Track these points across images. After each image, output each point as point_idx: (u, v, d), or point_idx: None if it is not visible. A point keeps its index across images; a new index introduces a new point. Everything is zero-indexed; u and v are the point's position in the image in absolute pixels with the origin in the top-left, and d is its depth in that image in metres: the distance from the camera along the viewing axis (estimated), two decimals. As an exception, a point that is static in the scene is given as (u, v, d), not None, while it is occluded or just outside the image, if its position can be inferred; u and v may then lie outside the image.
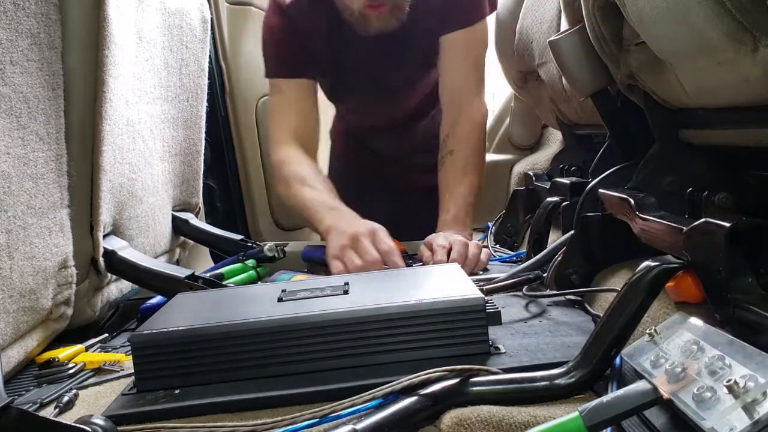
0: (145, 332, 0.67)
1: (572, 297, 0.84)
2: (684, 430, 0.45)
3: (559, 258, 0.88)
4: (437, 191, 1.56)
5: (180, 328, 0.66)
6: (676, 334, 0.54)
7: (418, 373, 0.56)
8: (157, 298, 1.05)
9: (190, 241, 1.41)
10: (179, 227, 1.33)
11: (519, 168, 1.77)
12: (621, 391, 0.47)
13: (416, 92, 1.49)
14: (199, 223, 1.39)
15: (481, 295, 0.67)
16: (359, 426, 0.51)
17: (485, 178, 1.35)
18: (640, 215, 0.72)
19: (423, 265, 1.10)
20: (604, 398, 0.47)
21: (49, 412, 0.66)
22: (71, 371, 0.78)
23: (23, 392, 0.74)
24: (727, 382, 0.41)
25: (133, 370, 0.67)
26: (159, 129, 1.21)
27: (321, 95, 1.45)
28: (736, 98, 0.60)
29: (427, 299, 0.66)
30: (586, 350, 0.58)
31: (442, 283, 0.77)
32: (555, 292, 0.86)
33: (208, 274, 1.10)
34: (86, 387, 0.74)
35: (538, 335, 0.71)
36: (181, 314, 0.75)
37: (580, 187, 0.96)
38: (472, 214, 1.27)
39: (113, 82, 0.96)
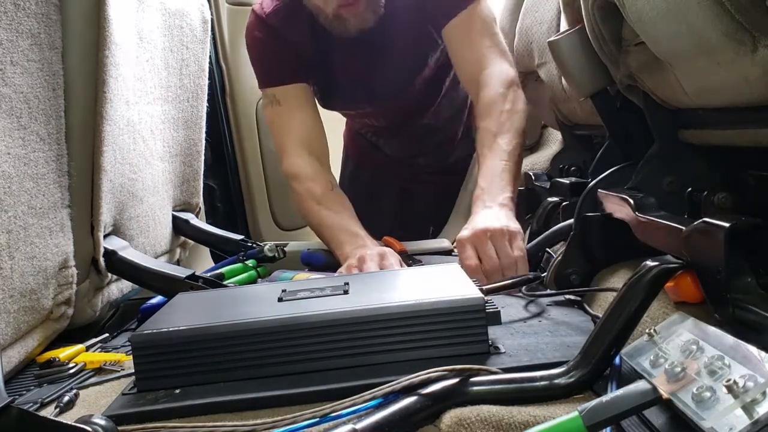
0: (145, 332, 0.67)
1: (572, 297, 0.84)
2: (683, 429, 0.45)
3: (559, 258, 0.88)
4: (444, 192, 1.56)
5: (180, 328, 0.66)
6: (675, 334, 0.54)
7: (418, 373, 0.56)
8: (158, 298, 1.05)
9: (191, 241, 1.41)
10: (180, 227, 1.33)
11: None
12: (620, 391, 0.48)
13: (411, 87, 1.43)
14: (200, 223, 1.39)
15: (481, 295, 0.67)
16: (359, 426, 0.51)
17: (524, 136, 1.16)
18: (640, 215, 0.72)
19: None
20: (604, 398, 0.47)
21: (49, 412, 0.66)
22: (72, 371, 0.78)
23: (24, 392, 0.74)
24: (727, 381, 0.41)
25: (133, 370, 0.67)
26: (159, 129, 1.21)
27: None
28: (735, 98, 0.60)
29: (427, 299, 0.67)
30: (585, 350, 0.58)
31: (441, 283, 0.77)
32: (554, 291, 0.87)
33: (208, 274, 1.10)
34: (87, 387, 0.74)
35: (537, 335, 0.71)
36: (182, 314, 0.75)
37: (580, 187, 0.96)
38: (512, 178, 1.08)
39: (114, 82, 0.96)
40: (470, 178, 1.56)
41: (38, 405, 0.68)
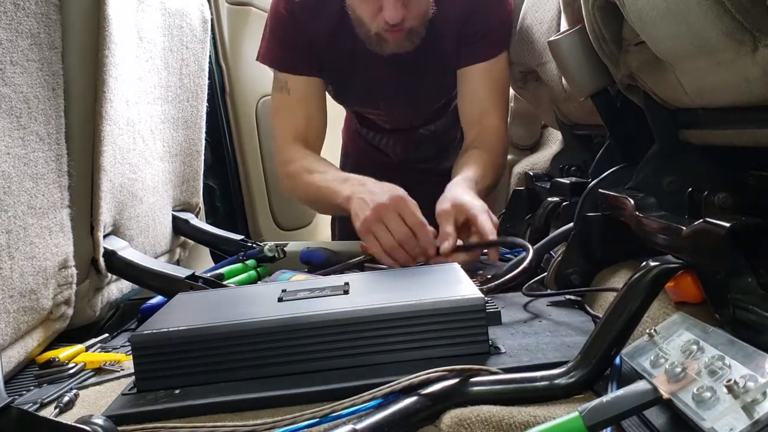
0: (145, 332, 0.67)
1: (572, 297, 0.84)
2: (684, 430, 0.45)
3: (559, 258, 0.88)
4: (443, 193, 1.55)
5: (180, 328, 0.66)
6: (675, 334, 0.54)
7: (418, 373, 0.56)
8: (158, 298, 1.05)
9: (191, 241, 1.41)
10: (179, 227, 1.33)
11: (519, 168, 1.77)
12: (621, 391, 0.48)
13: (426, 106, 1.48)
14: (200, 223, 1.39)
15: (481, 295, 0.67)
16: (359, 426, 0.51)
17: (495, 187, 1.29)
18: (640, 215, 0.72)
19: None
20: (604, 398, 0.47)
21: (49, 412, 0.66)
22: (71, 371, 0.78)
23: (23, 392, 0.74)
24: (727, 382, 0.41)
25: (133, 370, 0.67)
26: (159, 129, 1.21)
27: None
28: (735, 98, 0.60)
29: (427, 299, 0.67)
30: (585, 350, 0.58)
31: (442, 282, 0.77)
32: (554, 291, 0.87)
33: (208, 274, 1.10)
34: (86, 387, 0.74)
35: (537, 335, 0.71)
36: (182, 314, 0.75)
37: (580, 187, 0.95)
38: (481, 193, 1.16)
39: (113, 82, 0.96)
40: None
41: (38, 405, 0.68)
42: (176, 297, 0.84)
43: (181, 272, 1.02)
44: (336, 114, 1.66)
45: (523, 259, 0.90)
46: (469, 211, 1.02)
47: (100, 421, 0.54)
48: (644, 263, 0.60)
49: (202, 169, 1.42)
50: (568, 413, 0.47)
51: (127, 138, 1.05)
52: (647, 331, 0.56)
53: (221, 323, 0.66)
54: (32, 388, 0.75)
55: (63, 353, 0.82)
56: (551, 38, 0.94)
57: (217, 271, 1.16)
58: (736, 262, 0.55)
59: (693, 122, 0.74)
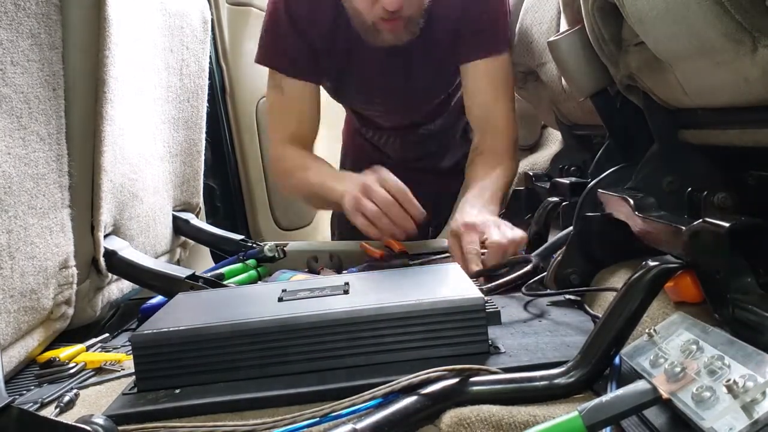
0: (145, 332, 0.67)
1: (572, 297, 0.84)
2: (683, 429, 0.46)
3: (559, 258, 0.88)
4: (444, 192, 1.56)
5: (180, 328, 0.66)
6: (675, 334, 0.54)
7: (418, 373, 0.57)
8: (158, 298, 1.05)
9: (191, 241, 1.41)
10: (180, 227, 1.33)
11: (519, 168, 1.77)
12: (620, 391, 0.48)
13: (425, 102, 1.47)
14: (200, 223, 1.39)
15: (481, 295, 0.67)
16: (359, 426, 0.51)
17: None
18: (640, 215, 0.72)
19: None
20: (604, 398, 0.47)
21: (49, 412, 0.66)
22: (72, 371, 0.78)
23: (24, 392, 0.74)
24: (727, 381, 0.41)
25: (133, 370, 0.67)
26: (160, 129, 1.21)
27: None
28: (735, 98, 0.60)
29: (427, 299, 0.67)
30: (585, 350, 0.58)
31: (441, 282, 0.77)
32: (554, 291, 0.87)
33: (208, 274, 1.10)
34: (87, 387, 0.74)
35: (537, 335, 0.71)
36: (182, 314, 0.75)
37: (580, 187, 0.96)
38: (498, 202, 1.19)
39: (114, 82, 0.96)
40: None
41: (38, 405, 0.68)
42: (176, 297, 0.84)
43: (182, 272, 1.02)
44: (336, 114, 1.66)
45: (525, 260, 0.90)
46: (479, 229, 1.02)
47: (100, 420, 0.54)
48: (644, 263, 0.60)
49: (203, 169, 1.42)
50: (567, 413, 0.47)
51: (128, 138, 1.05)
52: (647, 330, 0.56)
53: (221, 323, 0.66)
54: (33, 387, 0.75)
55: (63, 353, 0.82)
56: (551, 38, 0.94)
57: (218, 271, 1.16)
58: (735, 262, 0.55)
59: (692, 122, 0.74)
